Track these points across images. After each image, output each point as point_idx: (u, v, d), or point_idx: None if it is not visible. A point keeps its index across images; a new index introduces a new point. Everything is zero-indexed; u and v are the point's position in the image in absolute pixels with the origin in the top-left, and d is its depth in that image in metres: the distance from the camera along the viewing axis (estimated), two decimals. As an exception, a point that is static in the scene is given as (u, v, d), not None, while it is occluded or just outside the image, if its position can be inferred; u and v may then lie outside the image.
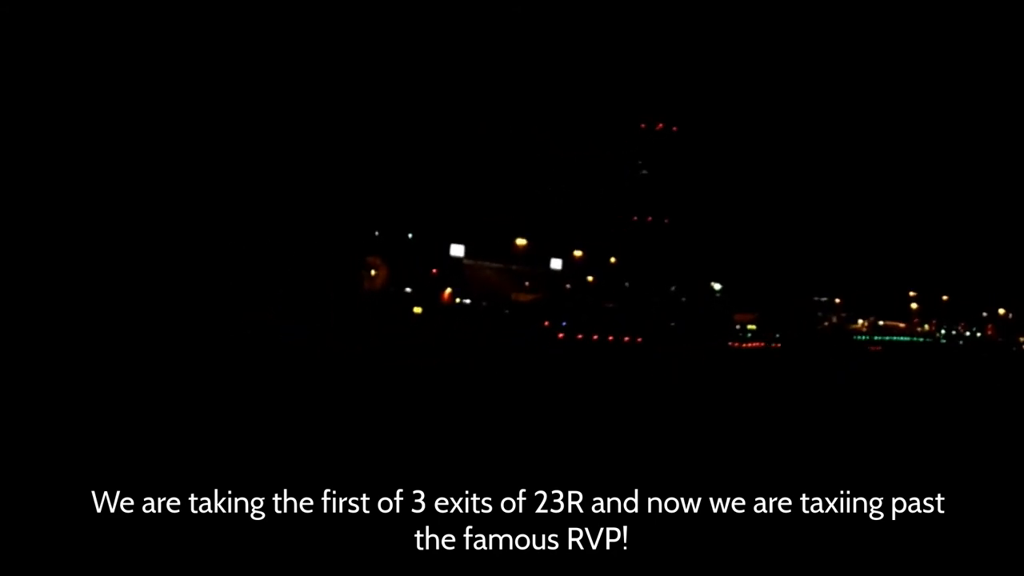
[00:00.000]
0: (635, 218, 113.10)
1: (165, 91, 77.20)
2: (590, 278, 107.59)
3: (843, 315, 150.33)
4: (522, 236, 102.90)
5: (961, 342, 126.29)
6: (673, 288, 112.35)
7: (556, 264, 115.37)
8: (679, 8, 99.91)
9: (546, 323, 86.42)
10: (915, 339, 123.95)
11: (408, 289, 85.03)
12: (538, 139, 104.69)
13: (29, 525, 13.10)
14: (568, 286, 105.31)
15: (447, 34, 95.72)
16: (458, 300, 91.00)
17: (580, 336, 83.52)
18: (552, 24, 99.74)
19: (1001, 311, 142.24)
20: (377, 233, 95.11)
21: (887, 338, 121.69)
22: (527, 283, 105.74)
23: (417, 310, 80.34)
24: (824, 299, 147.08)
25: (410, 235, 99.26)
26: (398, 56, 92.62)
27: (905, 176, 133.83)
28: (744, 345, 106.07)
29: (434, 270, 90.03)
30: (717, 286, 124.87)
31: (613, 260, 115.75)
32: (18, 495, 14.91)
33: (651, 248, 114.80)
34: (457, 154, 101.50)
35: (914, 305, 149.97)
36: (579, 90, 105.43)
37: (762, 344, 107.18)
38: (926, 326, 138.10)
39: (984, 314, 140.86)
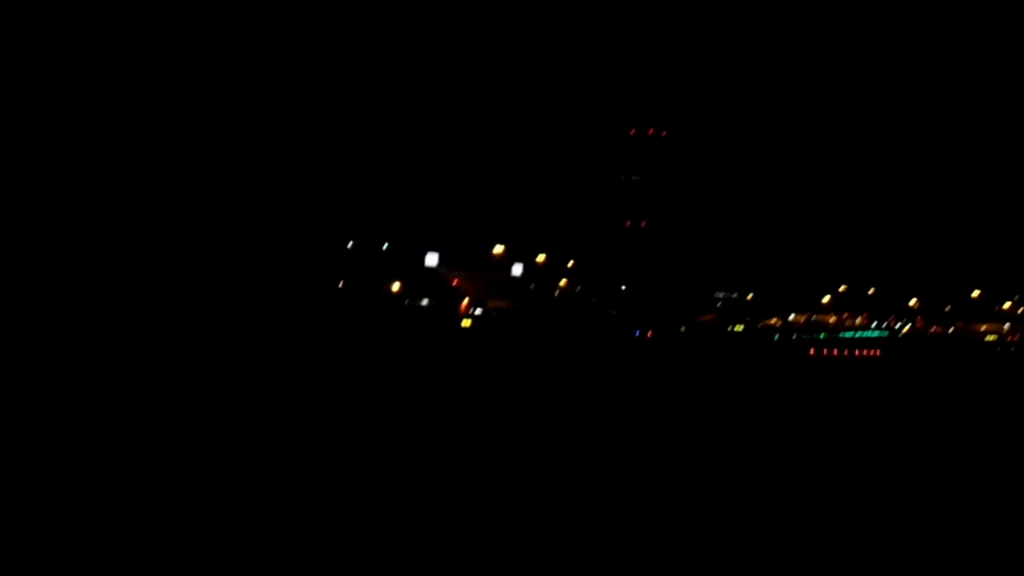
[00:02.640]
0: (628, 223, 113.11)
1: (164, 95, 75.04)
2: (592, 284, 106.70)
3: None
4: (499, 243, 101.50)
5: (918, 334, 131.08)
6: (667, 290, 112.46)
7: (517, 270, 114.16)
8: (664, 13, 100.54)
9: (650, 333, 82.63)
10: (881, 333, 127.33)
11: (424, 301, 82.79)
12: (515, 141, 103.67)
13: (29, 525, 12.95)
14: (548, 291, 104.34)
15: (428, 39, 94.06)
16: (472, 311, 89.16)
17: (812, 351, 75.96)
18: (538, 26, 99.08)
19: (912, 302, 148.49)
20: (351, 244, 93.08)
21: (858, 334, 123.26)
22: (498, 290, 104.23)
23: (466, 323, 78.57)
24: (735, 295, 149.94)
25: (385, 245, 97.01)
26: (385, 58, 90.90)
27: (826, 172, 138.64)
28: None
29: (455, 280, 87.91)
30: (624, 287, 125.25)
31: (571, 264, 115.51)
32: (18, 495, 14.71)
33: (635, 252, 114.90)
34: (427, 158, 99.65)
35: (826, 298, 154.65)
36: (560, 91, 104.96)
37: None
38: (858, 320, 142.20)
39: (899, 306, 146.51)
